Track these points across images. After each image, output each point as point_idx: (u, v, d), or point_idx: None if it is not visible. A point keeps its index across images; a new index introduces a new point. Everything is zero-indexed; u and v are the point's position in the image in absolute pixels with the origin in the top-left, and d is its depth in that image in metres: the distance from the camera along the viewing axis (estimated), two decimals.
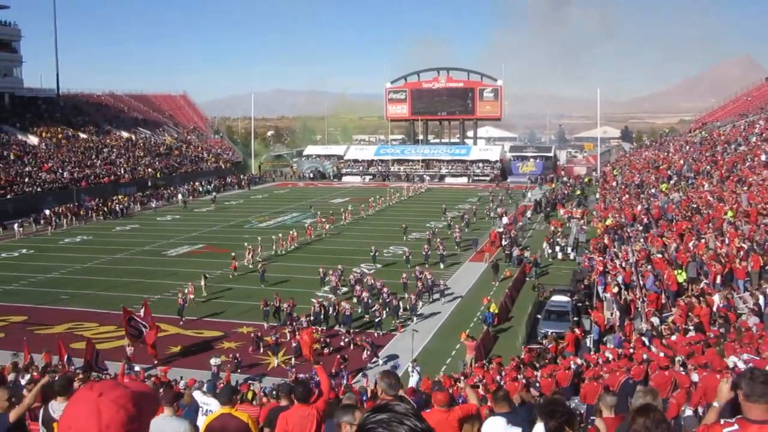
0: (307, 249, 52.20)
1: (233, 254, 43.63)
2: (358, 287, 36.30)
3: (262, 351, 29.81)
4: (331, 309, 33.82)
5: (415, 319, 32.85)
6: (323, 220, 59.76)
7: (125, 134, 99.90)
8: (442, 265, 44.29)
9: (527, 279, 42.83)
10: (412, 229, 57.57)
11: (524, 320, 33.43)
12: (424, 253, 45.18)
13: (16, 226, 60.67)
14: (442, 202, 78.17)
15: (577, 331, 28.64)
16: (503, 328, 33.59)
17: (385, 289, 34.70)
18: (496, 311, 33.73)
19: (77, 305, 37.65)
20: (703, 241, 32.07)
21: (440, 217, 65.35)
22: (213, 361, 26.63)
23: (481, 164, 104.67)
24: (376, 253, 45.62)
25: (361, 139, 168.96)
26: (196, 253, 51.65)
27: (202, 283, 39.36)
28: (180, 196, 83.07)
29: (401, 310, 33.94)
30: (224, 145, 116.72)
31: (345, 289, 38.14)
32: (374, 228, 60.75)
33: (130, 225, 65.50)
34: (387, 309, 33.26)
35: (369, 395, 15.00)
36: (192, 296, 36.39)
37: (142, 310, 29.47)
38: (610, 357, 21.05)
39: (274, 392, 16.75)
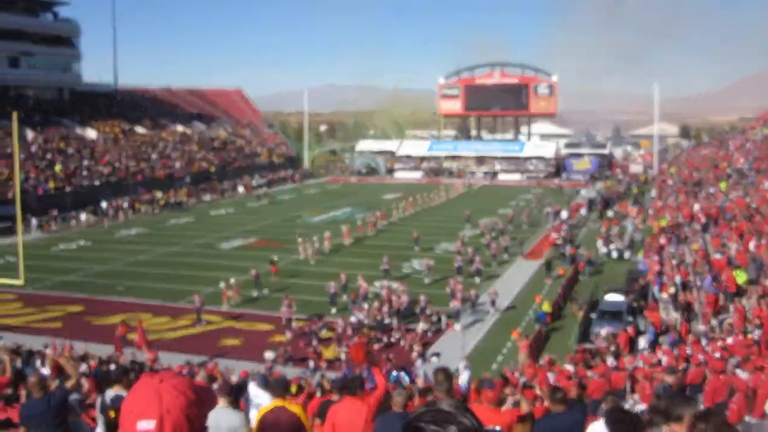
0: (358, 246, 52.49)
1: (275, 258, 43.37)
2: (394, 297, 35.37)
3: (315, 344, 30.02)
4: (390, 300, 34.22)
5: (457, 326, 32.55)
6: (376, 215, 59.76)
7: (180, 128, 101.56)
8: (478, 280, 40.99)
9: (581, 278, 42.36)
10: (459, 226, 57.58)
11: (577, 319, 33.08)
12: (456, 265, 42.04)
13: (83, 216, 62.23)
14: (496, 198, 77.73)
15: (631, 331, 28.24)
16: (556, 327, 33.28)
17: (422, 297, 34.34)
18: (549, 310, 33.44)
19: (132, 296, 38.48)
20: (764, 242, 31.27)
21: (492, 213, 65.00)
22: (268, 354, 26.94)
23: (534, 161, 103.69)
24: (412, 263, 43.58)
25: (414, 135, 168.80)
26: (250, 247, 52.28)
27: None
28: (242, 189, 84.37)
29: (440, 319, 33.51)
30: (278, 140, 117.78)
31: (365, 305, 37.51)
32: (425, 224, 60.79)
33: (184, 218, 66.59)
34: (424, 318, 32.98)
35: (420, 391, 15.01)
36: (230, 296, 36.67)
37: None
38: (664, 359, 20.72)
39: (326, 386, 16.91)
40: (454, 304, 33.64)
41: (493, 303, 35.08)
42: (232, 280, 37.45)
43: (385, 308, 33.70)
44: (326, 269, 43.58)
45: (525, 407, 8.96)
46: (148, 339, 29.08)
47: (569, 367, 22.38)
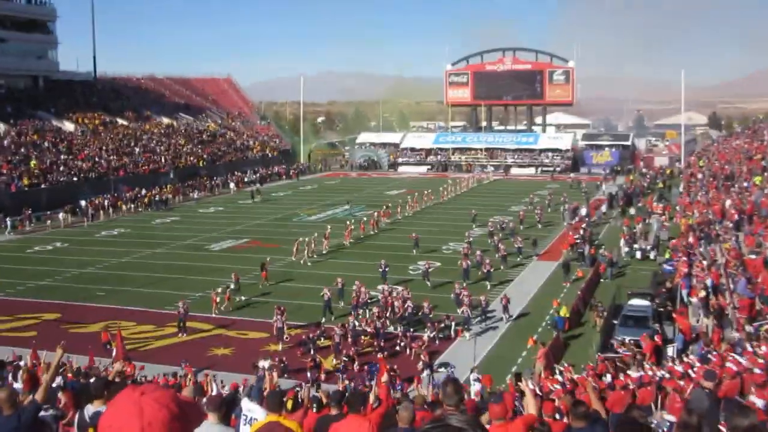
0: (359, 246, 52.43)
1: (267, 259, 43.13)
2: (397, 303, 35.21)
3: (312, 354, 29.92)
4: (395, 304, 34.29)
5: (467, 335, 32.45)
6: (378, 213, 59.75)
7: (166, 120, 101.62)
8: (488, 285, 40.65)
9: (602, 280, 42.25)
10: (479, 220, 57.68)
11: (598, 325, 32.96)
12: (463, 267, 41.55)
13: (61, 215, 62.23)
14: (508, 194, 77.66)
15: (657, 338, 28.10)
16: (575, 334, 33.18)
17: (426, 304, 34.23)
18: (567, 315, 33.33)
19: (114, 302, 38.42)
20: None
21: (503, 210, 64.96)
22: (262, 363, 26.82)
23: (550, 153, 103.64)
24: (387, 269, 41.70)
25: (419, 126, 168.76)
26: (241, 248, 52.26)
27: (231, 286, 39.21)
28: (232, 185, 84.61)
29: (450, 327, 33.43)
30: (271, 132, 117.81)
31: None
32: (431, 222, 60.72)
33: (170, 217, 66.64)
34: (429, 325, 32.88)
35: (427, 404, 14.87)
36: (220, 300, 36.57)
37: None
38: (693, 369, 20.56)
39: (323, 400, 16.77)
40: (463, 310, 33.55)
41: (505, 309, 34.94)
42: (219, 289, 37.44)
43: (388, 314, 33.62)
44: (323, 272, 43.56)
45: (532, 408, 8.81)
46: (126, 351, 28.92)
47: (589, 378, 22.24)
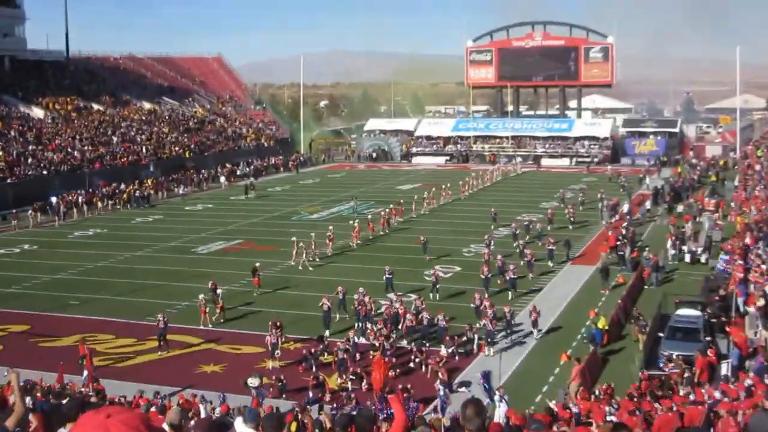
0: (367, 248, 52.49)
1: (257, 264, 42.94)
2: (409, 316, 34.97)
3: (315, 371, 29.95)
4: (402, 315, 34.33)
5: (490, 350, 32.35)
6: (390, 211, 59.75)
7: (147, 105, 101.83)
8: (510, 295, 40.35)
9: (646, 287, 42.12)
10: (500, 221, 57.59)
11: (641, 342, 32.84)
12: (482, 276, 40.87)
13: (30, 214, 62.33)
14: (537, 189, 77.50)
15: (710, 354, 28.00)
16: (615, 348, 33.08)
17: (440, 316, 34.10)
18: (606, 327, 33.21)
19: (89, 313, 38.53)
20: None
21: (533, 208, 64.86)
22: (251, 381, 26.86)
23: (586, 142, 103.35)
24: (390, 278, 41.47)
25: (436, 111, 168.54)
26: (233, 251, 52.37)
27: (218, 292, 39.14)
28: (223, 179, 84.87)
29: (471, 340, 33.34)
30: (267, 118, 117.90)
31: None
32: (450, 221, 60.71)
33: (152, 216, 66.84)
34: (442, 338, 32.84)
35: (446, 429, 14.90)
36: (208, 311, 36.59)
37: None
38: (752, 388, 20.50)
39: (327, 423, 16.81)
40: (484, 324, 33.32)
41: (534, 323, 34.68)
42: (204, 296, 37.50)
43: (392, 328, 33.49)
44: (326, 277, 43.68)
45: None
46: (93, 369, 28.90)
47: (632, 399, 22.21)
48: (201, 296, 36.97)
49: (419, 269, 45.65)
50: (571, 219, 58.91)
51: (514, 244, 50.06)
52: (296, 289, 42.29)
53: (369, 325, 34.20)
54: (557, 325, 36.18)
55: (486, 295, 37.80)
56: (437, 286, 40.54)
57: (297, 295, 41.11)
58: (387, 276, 40.57)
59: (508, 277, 41.02)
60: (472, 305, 36.36)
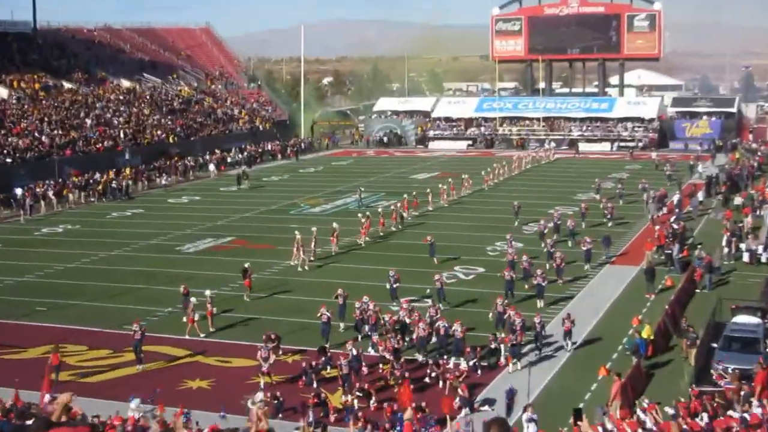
0: (377, 246, 52.49)
1: (247, 265, 42.72)
2: (422, 325, 34.65)
3: (316, 387, 29.91)
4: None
5: (518, 364, 32.15)
6: (403, 203, 59.69)
7: (126, 83, 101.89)
8: (540, 303, 39.67)
9: (698, 290, 41.94)
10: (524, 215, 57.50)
11: (690, 358, 32.70)
12: (505, 279, 40.73)
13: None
14: (573, 178, 77.31)
15: None
16: (661, 361, 32.95)
17: (457, 325, 33.78)
18: (651, 337, 33.09)
19: (59, 320, 38.51)
20: None
21: (570, 199, 64.67)
22: (258, 396, 26.80)
23: (629, 124, 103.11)
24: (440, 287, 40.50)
25: (457, 89, 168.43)
26: (223, 249, 52.44)
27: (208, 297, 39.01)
28: (212, 167, 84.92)
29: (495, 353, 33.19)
30: (263, 98, 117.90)
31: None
32: (471, 216, 60.63)
33: (131, 209, 66.89)
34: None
35: None
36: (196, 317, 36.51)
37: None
38: None
39: None
40: (513, 337, 32.94)
41: (567, 333, 34.29)
42: (194, 299, 37.46)
43: (397, 341, 33.29)
44: (328, 279, 43.72)
45: None
46: (53, 384, 28.86)
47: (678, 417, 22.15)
48: (192, 300, 36.84)
49: (435, 271, 45.60)
50: (608, 214, 57.63)
51: (542, 245, 49.21)
52: (295, 293, 42.26)
53: (375, 337, 34.05)
54: (595, 336, 36.02)
55: (507, 302, 37.44)
56: (443, 292, 39.74)
57: (296, 300, 41.08)
58: (392, 283, 39.93)
59: (535, 283, 40.38)
60: (490, 315, 36.15)
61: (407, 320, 34.94)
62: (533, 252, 46.36)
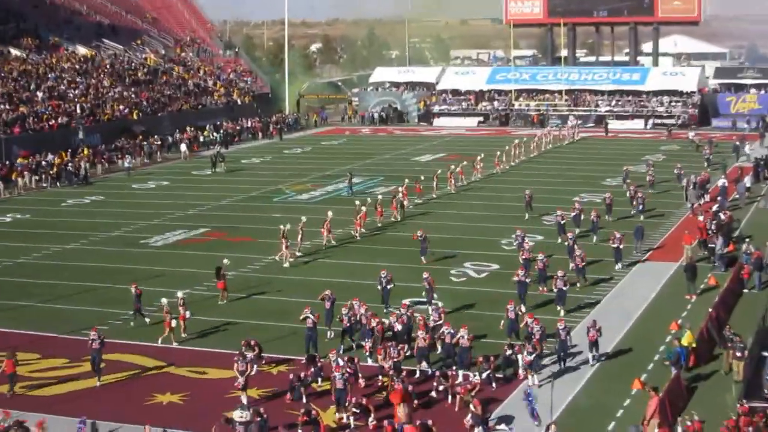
0: (374, 240, 52.47)
1: (224, 262, 42.48)
2: (421, 334, 34.24)
3: (305, 401, 29.85)
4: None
5: (536, 380, 32.00)
6: (403, 189, 59.55)
7: (83, 50, 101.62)
8: (560, 309, 39.02)
9: (746, 290, 41.87)
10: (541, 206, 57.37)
11: (737, 372, 32.63)
12: (516, 280, 39.81)
13: None
14: (600, 161, 77.24)
15: None
16: (704, 372, 32.90)
17: (463, 331, 33.49)
18: (693, 344, 33.01)
19: (7, 325, 38.35)
20: None
21: (596, 185, 64.60)
22: (238, 414, 26.75)
23: (665, 98, 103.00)
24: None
25: (465, 57, 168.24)
26: (195, 243, 52.43)
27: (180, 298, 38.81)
28: (184, 147, 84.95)
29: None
30: (241, 68, 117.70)
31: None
32: (482, 205, 60.57)
33: (89, 196, 66.92)
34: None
35: None
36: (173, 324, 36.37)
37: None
38: None
39: None
40: (527, 348, 32.70)
41: (593, 344, 33.92)
42: (165, 301, 37.32)
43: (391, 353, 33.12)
44: (317, 278, 43.70)
45: None
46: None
47: None
48: (163, 301, 36.61)
49: (445, 267, 45.53)
50: (639, 205, 56.38)
51: (559, 240, 49.12)
52: (280, 293, 42.22)
53: (368, 344, 33.93)
54: (627, 344, 35.86)
55: (522, 307, 37.19)
56: (433, 295, 39.07)
57: (280, 301, 40.98)
58: (384, 284, 39.37)
59: (555, 288, 39.55)
60: (501, 324, 35.82)
61: (399, 326, 34.73)
62: (550, 248, 46.45)
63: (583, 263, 43.05)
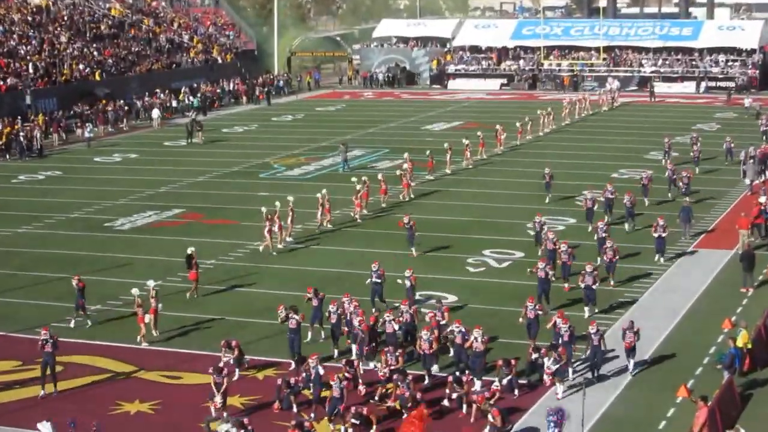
0: (375, 222, 52.73)
1: (190, 251, 41.99)
2: (424, 336, 34.10)
3: (295, 411, 30.11)
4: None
5: (561, 389, 32.06)
6: (409, 165, 59.66)
7: None
8: (587, 310, 38.45)
9: None
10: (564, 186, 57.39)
11: None
12: (539, 275, 39.24)
13: None
14: (648, 131, 77.17)
15: None
16: (761, 378, 33.08)
17: (477, 333, 33.49)
18: (749, 345, 33.13)
19: None
20: None
21: (639, 159, 64.66)
22: (221, 428, 27.03)
23: (721, 57, 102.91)
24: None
25: (486, 8, 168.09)
26: (168, 226, 52.66)
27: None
28: (156, 114, 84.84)
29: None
30: (222, 20, 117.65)
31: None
32: (507, 182, 60.74)
33: (44, 171, 67.18)
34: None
35: None
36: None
37: None
38: None
39: None
40: (552, 356, 32.59)
41: (630, 351, 33.61)
42: (135, 290, 37.46)
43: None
44: (309, 268, 44.11)
45: None
46: None
47: None
48: (134, 292, 36.74)
49: (456, 255, 45.75)
50: (684, 189, 54.81)
51: (589, 229, 48.49)
52: (266, 285, 42.49)
53: (355, 348, 33.86)
54: (672, 344, 35.96)
55: (541, 305, 37.04)
56: (414, 296, 38.66)
57: (267, 295, 41.03)
58: (375, 278, 39.01)
59: (583, 285, 38.87)
60: (519, 320, 35.69)
61: (395, 326, 34.77)
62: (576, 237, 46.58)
63: (615, 258, 42.11)
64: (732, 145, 64.13)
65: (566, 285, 41.04)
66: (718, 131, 73.06)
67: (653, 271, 44.25)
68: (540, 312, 35.17)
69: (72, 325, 37.27)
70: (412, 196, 56.88)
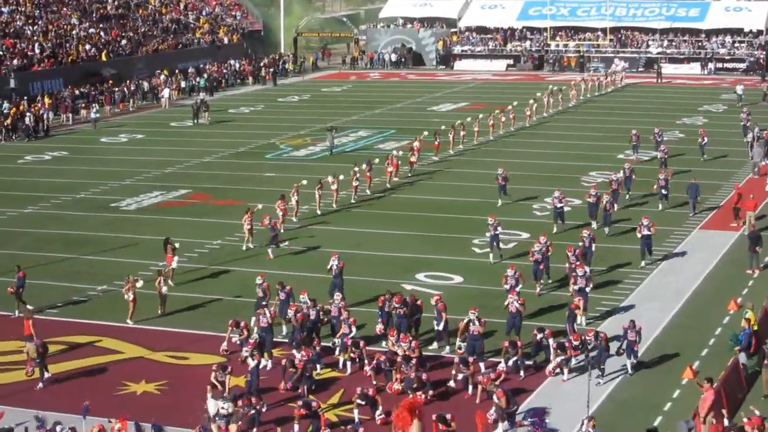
0: (378, 204, 52.61)
1: (172, 242, 41.48)
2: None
3: (304, 394, 30.00)
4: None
5: (566, 373, 31.85)
6: (416, 145, 59.53)
7: None
8: (583, 320, 36.34)
9: None
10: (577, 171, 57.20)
11: None
12: (534, 260, 38.99)
13: None
14: (654, 113, 77.01)
15: None
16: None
17: (472, 314, 33.22)
18: (755, 327, 33.00)
19: None
20: None
21: (647, 142, 64.61)
22: (214, 405, 26.91)
23: (728, 38, 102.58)
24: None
25: None
26: (175, 206, 52.74)
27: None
28: (167, 93, 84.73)
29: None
30: (228, 0, 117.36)
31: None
32: (515, 162, 60.64)
33: (50, 152, 67.10)
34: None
35: None
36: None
37: None
38: None
39: None
40: (546, 345, 32.37)
41: (630, 347, 32.97)
42: (132, 277, 37.43)
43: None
44: (313, 249, 44.19)
45: None
46: None
47: None
48: (129, 278, 36.56)
49: (465, 235, 45.65)
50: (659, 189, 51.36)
51: (595, 225, 46.19)
52: (270, 266, 42.17)
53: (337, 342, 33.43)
54: (677, 326, 35.99)
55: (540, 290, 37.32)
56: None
57: (273, 275, 40.67)
58: (334, 267, 37.81)
59: (576, 288, 36.63)
60: (507, 303, 34.52)
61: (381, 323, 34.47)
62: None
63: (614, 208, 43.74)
64: (749, 121, 63.77)
65: (538, 289, 39.21)
66: (724, 112, 72.80)
67: (649, 263, 42.64)
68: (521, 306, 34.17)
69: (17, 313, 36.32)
70: (396, 178, 56.27)
